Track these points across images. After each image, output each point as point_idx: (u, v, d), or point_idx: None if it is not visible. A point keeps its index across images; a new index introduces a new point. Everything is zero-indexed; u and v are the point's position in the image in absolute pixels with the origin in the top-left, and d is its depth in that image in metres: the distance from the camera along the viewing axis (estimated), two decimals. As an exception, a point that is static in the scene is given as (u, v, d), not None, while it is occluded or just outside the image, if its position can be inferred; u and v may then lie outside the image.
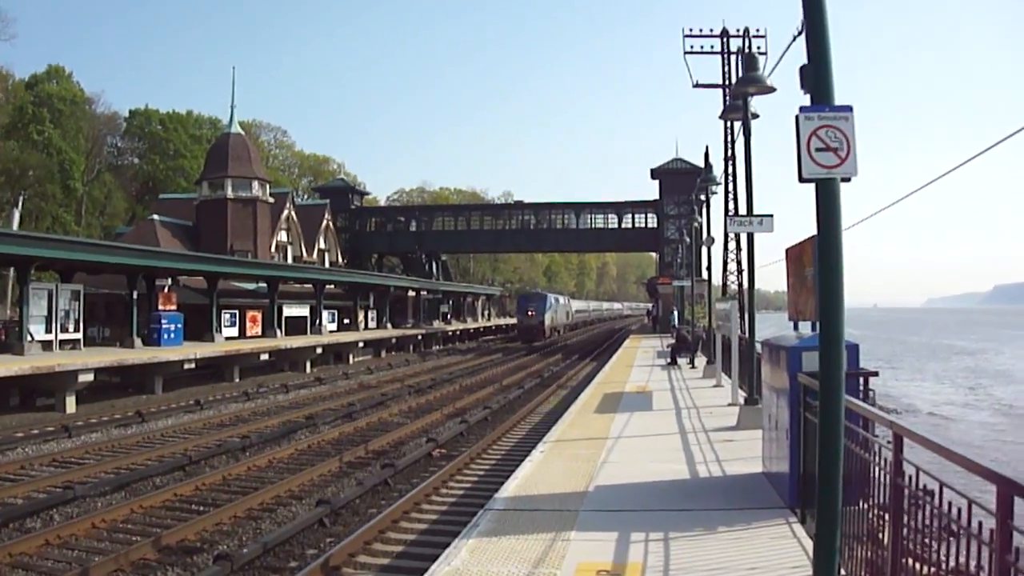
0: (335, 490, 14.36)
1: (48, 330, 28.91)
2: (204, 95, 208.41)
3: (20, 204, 56.63)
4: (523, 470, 11.23)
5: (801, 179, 5.59)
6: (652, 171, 72.64)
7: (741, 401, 16.66)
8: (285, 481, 14.53)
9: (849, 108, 5.61)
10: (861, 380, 7.68)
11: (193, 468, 16.24)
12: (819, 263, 5.62)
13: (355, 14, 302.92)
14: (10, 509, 12.66)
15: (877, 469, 5.50)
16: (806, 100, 5.72)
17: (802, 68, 5.74)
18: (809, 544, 6.83)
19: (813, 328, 8.56)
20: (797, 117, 5.62)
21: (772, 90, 15.66)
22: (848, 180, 5.61)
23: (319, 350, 41.81)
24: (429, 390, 30.80)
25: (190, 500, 13.65)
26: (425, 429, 21.20)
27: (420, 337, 58.75)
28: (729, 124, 37.94)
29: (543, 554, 7.31)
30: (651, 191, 74.87)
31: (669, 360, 31.34)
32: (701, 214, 39.29)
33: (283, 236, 62.45)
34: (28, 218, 63.14)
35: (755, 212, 16.28)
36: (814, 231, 5.72)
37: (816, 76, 5.61)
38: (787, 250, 9.97)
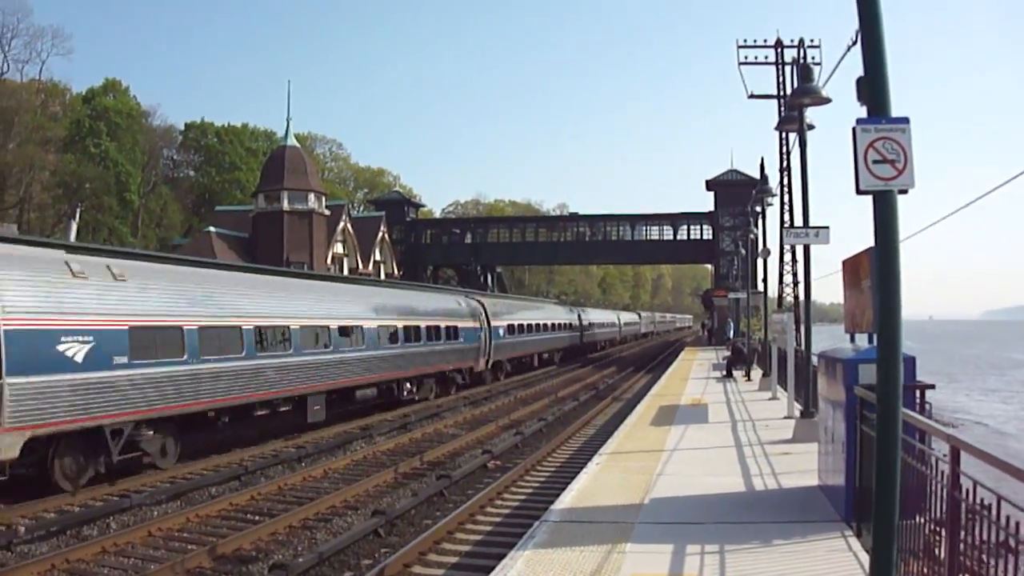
0: (390, 501, 14.41)
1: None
2: (259, 108, 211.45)
3: (77, 216, 57.51)
4: (579, 482, 11.25)
5: (858, 191, 5.58)
6: (707, 182, 72.37)
7: (797, 414, 16.53)
8: (340, 491, 14.62)
9: (906, 120, 5.60)
10: (918, 393, 7.62)
11: (248, 478, 16.41)
12: (876, 275, 5.60)
13: (411, 28, 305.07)
14: (67, 517, 12.92)
15: (934, 482, 5.45)
16: (862, 111, 5.72)
17: (858, 80, 5.74)
18: (865, 558, 6.78)
19: (870, 340, 8.50)
20: (854, 129, 5.61)
21: (827, 101, 15.57)
22: (905, 192, 5.59)
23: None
24: (484, 402, 30.83)
25: (245, 510, 13.80)
26: (480, 441, 21.23)
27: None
28: (784, 135, 37.66)
29: (599, 566, 7.33)
30: (706, 202, 74.62)
31: (724, 373, 31.18)
32: (757, 226, 39.01)
33: (339, 248, 63.09)
34: (85, 229, 64.15)
35: (811, 224, 16.19)
36: (870, 243, 5.70)
37: (872, 88, 5.60)
38: (844, 262, 9.92)
